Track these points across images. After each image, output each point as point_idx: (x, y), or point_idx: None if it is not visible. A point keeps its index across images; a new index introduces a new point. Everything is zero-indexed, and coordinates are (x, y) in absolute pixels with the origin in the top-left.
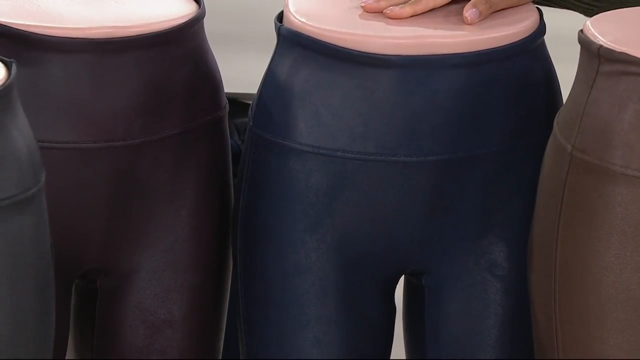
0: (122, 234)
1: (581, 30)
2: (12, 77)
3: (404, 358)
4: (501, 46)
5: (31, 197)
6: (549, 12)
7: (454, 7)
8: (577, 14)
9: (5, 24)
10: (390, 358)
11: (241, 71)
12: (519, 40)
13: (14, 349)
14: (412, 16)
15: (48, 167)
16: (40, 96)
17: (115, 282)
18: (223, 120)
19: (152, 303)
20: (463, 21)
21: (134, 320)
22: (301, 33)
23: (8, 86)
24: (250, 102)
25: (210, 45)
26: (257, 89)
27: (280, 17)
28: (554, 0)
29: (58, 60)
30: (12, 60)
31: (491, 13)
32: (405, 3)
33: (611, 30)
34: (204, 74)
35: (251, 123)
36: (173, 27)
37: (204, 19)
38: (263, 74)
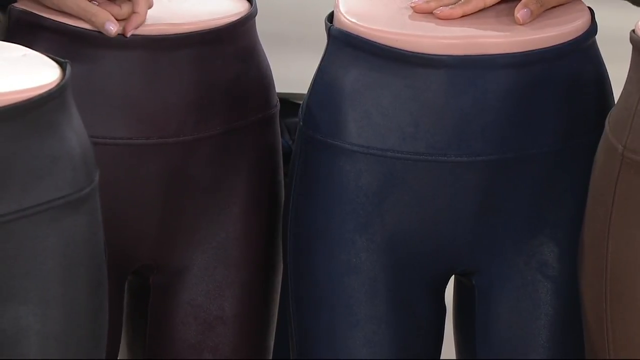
0: (174, 231)
1: (633, 30)
2: (66, 77)
3: (454, 358)
4: (552, 46)
5: (85, 197)
6: (601, 11)
7: (504, 6)
8: (629, 13)
9: (62, 22)
10: (440, 358)
11: (292, 71)
12: (570, 40)
13: (67, 348)
14: (462, 16)
15: (101, 163)
16: (95, 92)
17: (168, 279)
18: (274, 118)
19: (204, 299)
20: (513, 21)
21: (186, 316)
22: (351, 33)
23: (62, 86)
24: (301, 102)
25: (262, 45)
26: (307, 89)
27: (330, 17)
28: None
29: (112, 57)
30: (66, 60)
31: (542, 12)
32: (455, 3)
33: None
34: (256, 72)
35: (301, 123)
36: (225, 25)
37: (256, 19)
38: (313, 74)
